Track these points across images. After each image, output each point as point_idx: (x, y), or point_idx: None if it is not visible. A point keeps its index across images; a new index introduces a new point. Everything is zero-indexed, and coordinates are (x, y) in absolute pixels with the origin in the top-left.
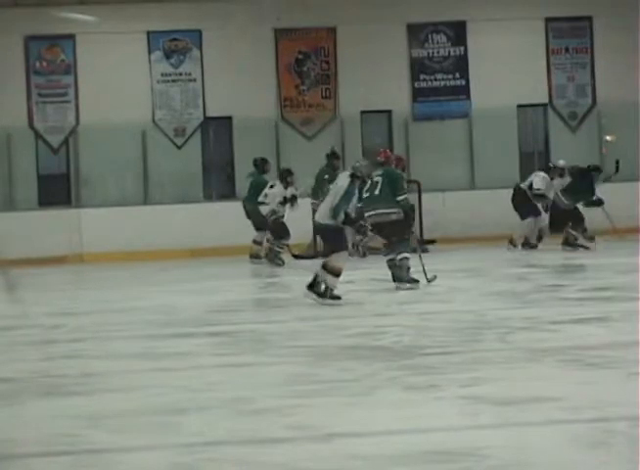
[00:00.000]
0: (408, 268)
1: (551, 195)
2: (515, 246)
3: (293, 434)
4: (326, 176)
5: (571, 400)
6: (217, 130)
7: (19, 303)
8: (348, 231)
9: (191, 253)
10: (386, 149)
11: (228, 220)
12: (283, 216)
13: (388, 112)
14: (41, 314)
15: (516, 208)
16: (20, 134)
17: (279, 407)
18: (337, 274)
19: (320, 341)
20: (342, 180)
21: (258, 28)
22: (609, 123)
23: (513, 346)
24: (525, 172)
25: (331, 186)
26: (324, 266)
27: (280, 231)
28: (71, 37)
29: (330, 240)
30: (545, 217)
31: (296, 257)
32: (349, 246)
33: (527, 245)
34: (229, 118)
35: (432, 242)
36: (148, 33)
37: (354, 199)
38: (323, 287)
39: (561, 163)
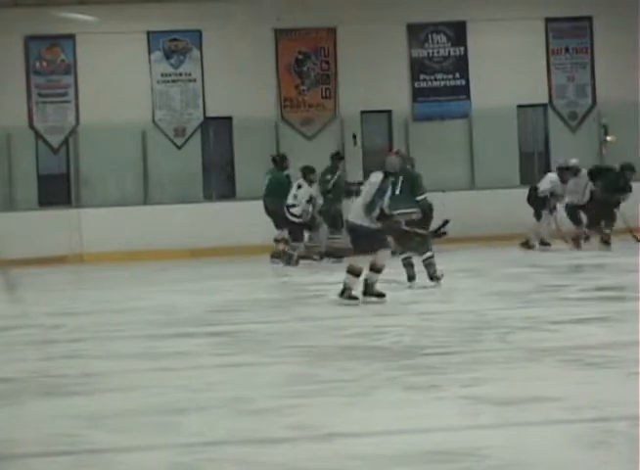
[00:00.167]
0: (434, 265)
1: (565, 195)
2: (531, 247)
3: (292, 434)
4: (328, 176)
5: (572, 400)
6: (217, 130)
7: (19, 302)
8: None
9: (191, 253)
10: (397, 149)
11: (228, 220)
12: (313, 215)
13: (388, 112)
14: (41, 314)
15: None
16: (20, 134)
17: (279, 407)
18: (379, 271)
19: (320, 341)
20: (375, 177)
21: (258, 29)
22: (609, 123)
23: (513, 346)
24: (524, 172)
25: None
26: (371, 268)
27: (314, 228)
28: (71, 37)
29: (365, 241)
30: (550, 217)
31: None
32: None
33: (543, 244)
34: (229, 119)
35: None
36: (148, 33)
37: (387, 195)
38: (362, 285)
39: (573, 161)
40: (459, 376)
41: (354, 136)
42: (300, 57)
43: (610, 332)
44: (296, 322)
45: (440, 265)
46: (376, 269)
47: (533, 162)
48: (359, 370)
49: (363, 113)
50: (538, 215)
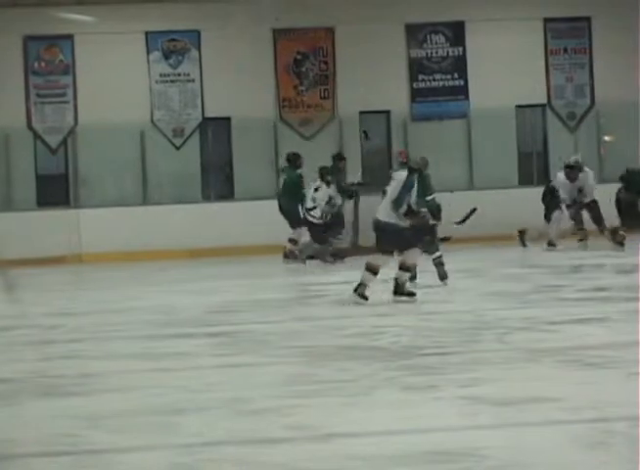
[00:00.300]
0: (443, 264)
1: (571, 193)
2: (554, 245)
3: (292, 434)
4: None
5: (571, 401)
6: (216, 131)
7: (17, 303)
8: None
9: (189, 253)
10: (404, 149)
11: (227, 221)
12: (333, 215)
13: (387, 112)
14: (39, 315)
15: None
16: (18, 135)
17: (278, 407)
18: (409, 269)
19: (318, 341)
20: (400, 175)
21: (257, 29)
22: (607, 124)
23: (512, 346)
24: (523, 173)
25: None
26: (401, 267)
27: (335, 227)
28: (70, 38)
29: (393, 239)
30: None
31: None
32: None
33: (550, 244)
34: (227, 119)
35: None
36: (146, 34)
37: (414, 191)
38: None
39: (575, 158)
40: (458, 376)
41: (365, 133)
42: (299, 57)
43: (609, 332)
44: (294, 322)
45: None
46: (405, 268)
47: (532, 162)
48: (358, 370)
49: (362, 113)
50: (549, 216)
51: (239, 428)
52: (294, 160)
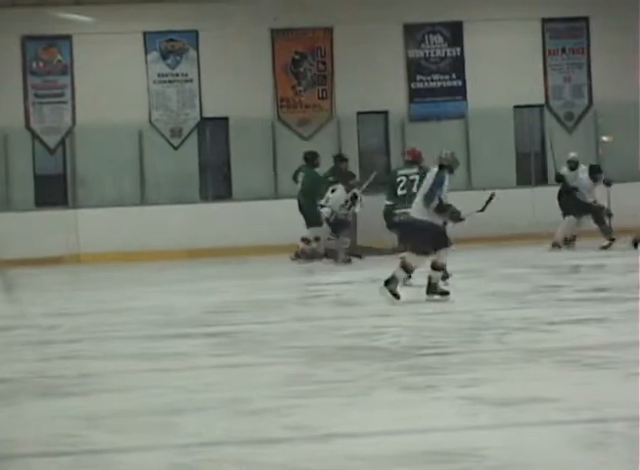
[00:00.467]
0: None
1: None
2: (559, 246)
3: (291, 434)
4: (330, 178)
5: (569, 401)
6: (214, 131)
7: (15, 303)
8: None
9: (188, 253)
10: (413, 148)
11: (224, 221)
12: (346, 215)
13: (385, 112)
14: (38, 315)
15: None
16: (16, 135)
17: (277, 408)
18: (442, 268)
19: (317, 341)
20: (430, 172)
21: (255, 29)
22: (605, 124)
23: (511, 346)
24: (521, 173)
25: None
26: (433, 266)
27: (341, 228)
28: (68, 38)
29: (427, 238)
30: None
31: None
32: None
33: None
34: (225, 119)
35: None
36: (144, 34)
37: (445, 186)
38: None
39: (572, 155)
40: (457, 376)
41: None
42: (297, 57)
43: (607, 333)
44: (293, 322)
45: None
46: (438, 268)
47: (530, 162)
48: (357, 370)
49: (360, 113)
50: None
51: (238, 428)
52: (311, 158)
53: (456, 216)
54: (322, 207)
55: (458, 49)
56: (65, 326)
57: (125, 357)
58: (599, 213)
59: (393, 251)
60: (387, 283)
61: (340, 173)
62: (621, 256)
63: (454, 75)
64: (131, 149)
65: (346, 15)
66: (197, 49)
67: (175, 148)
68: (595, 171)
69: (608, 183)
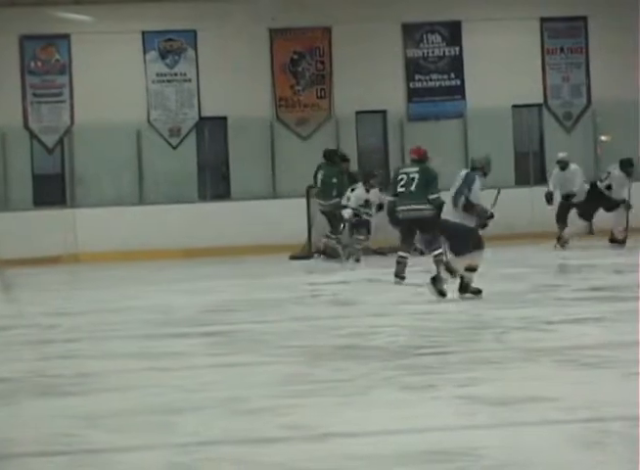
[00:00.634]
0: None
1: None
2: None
3: (288, 433)
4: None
5: (567, 401)
6: (212, 130)
7: (14, 302)
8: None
9: (186, 252)
10: (419, 146)
11: (222, 220)
12: (367, 214)
13: (383, 112)
14: (37, 314)
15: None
16: (14, 134)
17: (274, 407)
18: (475, 269)
19: (315, 340)
20: (461, 173)
21: (253, 28)
22: (604, 123)
23: (509, 346)
24: (519, 173)
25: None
26: (467, 267)
27: (359, 227)
28: (67, 37)
29: (461, 240)
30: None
31: (291, 258)
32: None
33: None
34: (224, 119)
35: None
36: (143, 33)
37: (475, 186)
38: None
39: (561, 155)
40: (455, 376)
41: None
42: (295, 57)
43: (605, 332)
44: (291, 322)
45: None
46: (472, 269)
47: (528, 162)
48: (355, 370)
49: (358, 113)
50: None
51: (236, 427)
52: (330, 156)
53: (484, 215)
54: (345, 207)
55: (456, 48)
56: (63, 325)
57: (124, 357)
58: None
59: (393, 249)
60: (433, 281)
61: (362, 173)
62: (620, 255)
63: (453, 75)
64: (130, 148)
65: (345, 14)
66: (195, 49)
67: (174, 147)
68: (627, 165)
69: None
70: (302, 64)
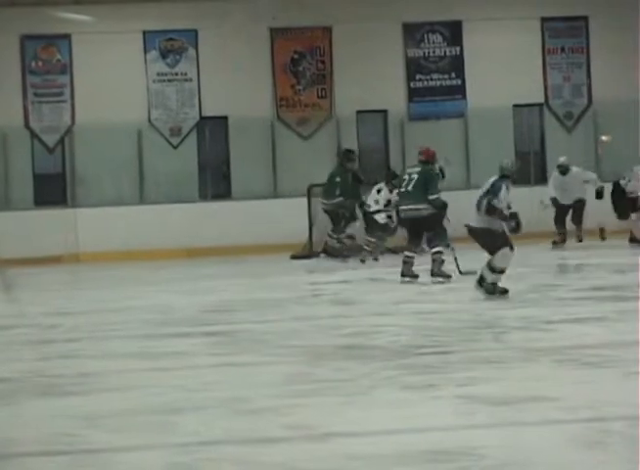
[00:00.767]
0: (442, 262)
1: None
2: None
3: (290, 433)
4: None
5: (568, 400)
6: (213, 130)
7: (15, 302)
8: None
9: (187, 252)
10: (427, 147)
11: (224, 220)
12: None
13: (384, 111)
14: (37, 314)
15: None
16: (15, 134)
17: (276, 407)
18: (502, 271)
19: (316, 340)
20: (491, 179)
21: (254, 28)
22: (605, 123)
23: (509, 345)
24: (520, 173)
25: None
26: (492, 268)
27: (375, 228)
28: (67, 37)
29: (490, 241)
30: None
31: (292, 257)
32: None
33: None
34: (225, 118)
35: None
36: (144, 33)
37: (502, 194)
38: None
39: (562, 159)
40: (456, 375)
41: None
42: (296, 56)
43: (606, 332)
44: (292, 322)
45: None
46: (499, 270)
47: (529, 161)
48: (356, 370)
49: (359, 112)
50: (623, 216)
51: (237, 427)
52: (340, 156)
53: (504, 217)
54: (377, 212)
55: (457, 48)
56: (64, 325)
57: (125, 357)
58: None
59: (402, 248)
60: (479, 283)
61: (385, 173)
62: (620, 255)
63: (453, 75)
64: (130, 148)
65: (345, 14)
66: (196, 48)
67: (175, 147)
68: None
69: None
70: (303, 63)
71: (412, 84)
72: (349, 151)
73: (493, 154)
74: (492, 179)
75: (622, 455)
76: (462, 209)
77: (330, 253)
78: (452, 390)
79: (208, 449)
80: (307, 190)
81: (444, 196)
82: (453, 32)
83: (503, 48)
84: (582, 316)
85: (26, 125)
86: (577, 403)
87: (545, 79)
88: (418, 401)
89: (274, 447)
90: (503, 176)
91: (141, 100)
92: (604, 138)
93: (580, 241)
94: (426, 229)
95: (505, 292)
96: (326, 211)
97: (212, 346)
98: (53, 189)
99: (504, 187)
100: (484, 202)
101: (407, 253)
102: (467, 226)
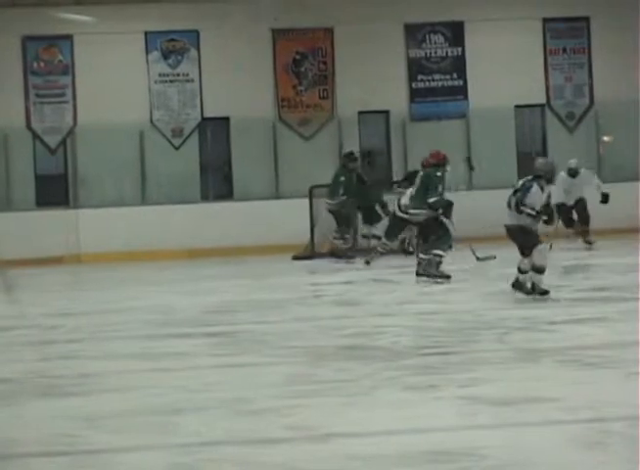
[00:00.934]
0: (438, 264)
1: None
2: None
3: (291, 434)
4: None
5: (569, 401)
6: (215, 131)
7: (16, 303)
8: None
9: (188, 253)
10: (438, 151)
11: (225, 221)
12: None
13: (386, 112)
14: (38, 315)
15: None
16: (17, 135)
17: (277, 408)
18: (541, 270)
19: (318, 341)
20: (522, 180)
21: (256, 29)
22: (606, 123)
23: (511, 346)
24: (522, 173)
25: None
26: (533, 268)
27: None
28: (69, 38)
29: (524, 240)
30: None
31: (294, 258)
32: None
33: None
34: (226, 119)
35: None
36: (145, 34)
37: (532, 193)
38: (529, 285)
39: (572, 162)
40: (457, 376)
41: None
42: (298, 57)
43: (607, 332)
44: (294, 322)
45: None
46: (537, 269)
47: (531, 162)
48: (358, 370)
49: (360, 113)
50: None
51: (238, 428)
52: (342, 158)
53: (528, 214)
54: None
55: (459, 49)
56: (65, 326)
57: (126, 357)
58: None
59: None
60: (534, 290)
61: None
62: (621, 255)
63: (455, 75)
64: (132, 149)
65: (347, 15)
66: (198, 49)
67: (176, 148)
68: None
69: None
70: (305, 64)
71: (414, 85)
72: (350, 153)
73: (495, 154)
74: (522, 180)
75: (622, 456)
76: (464, 209)
77: (336, 254)
78: (454, 390)
79: (210, 450)
80: (309, 191)
81: (448, 197)
82: (455, 33)
83: (505, 49)
84: (584, 317)
85: (28, 126)
86: (578, 404)
87: (547, 80)
88: (419, 402)
89: (275, 448)
90: (537, 176)
91: (143, 101)
92: (606, 138)
93: (590, 243)
94: (428, 233)
95: (545, 293)
96: (330, 212)
97: (214, 346)
98: (55, 190)
99: (536, 186)
100: (514, 200)
101: (421, 255)
102: (505, 226)
